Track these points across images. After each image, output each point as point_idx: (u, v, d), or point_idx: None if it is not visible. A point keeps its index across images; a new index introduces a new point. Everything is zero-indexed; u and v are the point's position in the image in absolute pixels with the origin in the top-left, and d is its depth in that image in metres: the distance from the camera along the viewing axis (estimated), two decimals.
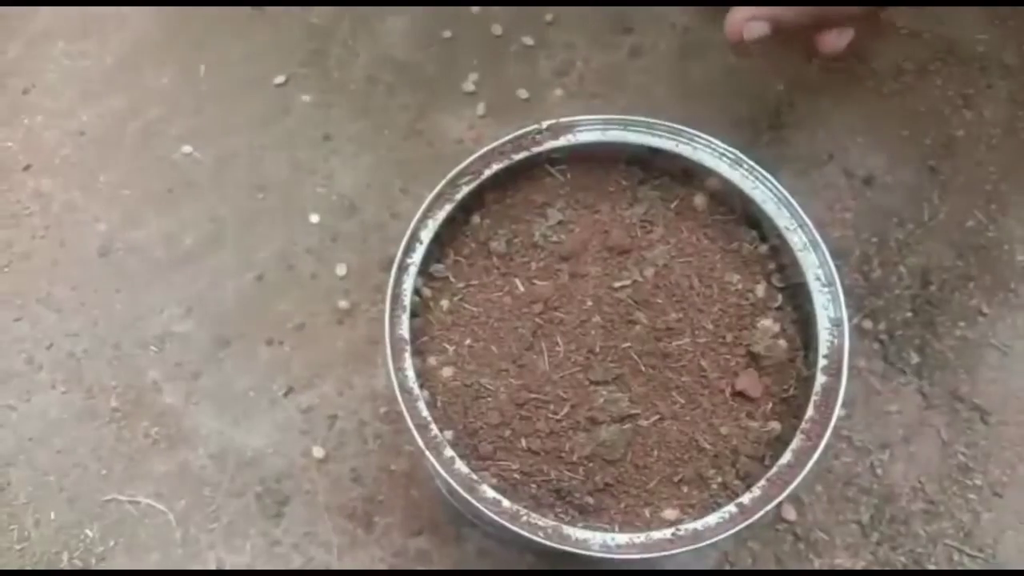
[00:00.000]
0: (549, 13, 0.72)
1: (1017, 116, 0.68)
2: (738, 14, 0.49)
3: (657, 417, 0.45)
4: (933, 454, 0.60)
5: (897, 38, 0.69)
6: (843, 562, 0.57)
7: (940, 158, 0.67)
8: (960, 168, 0.66)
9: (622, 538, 0.40)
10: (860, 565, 0.57)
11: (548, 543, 0.39)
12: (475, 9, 0.72)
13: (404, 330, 0.44)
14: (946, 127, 0.67)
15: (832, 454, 0.59)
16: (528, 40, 0.71)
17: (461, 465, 0.42)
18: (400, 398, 0.42)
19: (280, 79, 0.71)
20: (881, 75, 0.69)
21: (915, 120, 0.68)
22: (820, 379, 0.43)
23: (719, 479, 0.44)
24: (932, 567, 0.57)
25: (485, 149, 0.48)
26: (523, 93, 0.69)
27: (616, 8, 0.72)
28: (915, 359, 0.62)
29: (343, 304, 0.63)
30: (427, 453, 0.41)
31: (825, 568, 0.57)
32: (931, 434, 0.60)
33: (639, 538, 0.40)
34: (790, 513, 0.58)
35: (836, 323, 0.44)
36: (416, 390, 0.43)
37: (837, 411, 0.43)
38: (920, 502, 0.59)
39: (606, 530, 0.41)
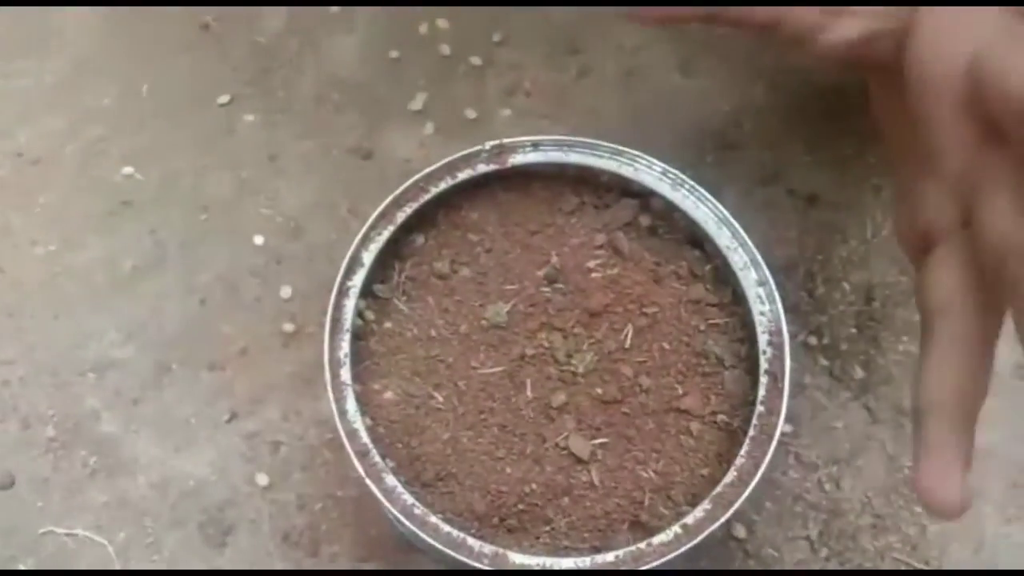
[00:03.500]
0: (497, 33, 0.72)
1: None
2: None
3: (604, 440, 0.44)
4: (879, 468, 0.61)
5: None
6: None
7: (883, 176, 0.68)
8: None
9: (566, 562, 0.40)
10: None
11: (491, 569, 0.39)
12: (423, 29, 0.72)
13: (344, 354, 0.43)
14: None
15: (780, 470, 0.60)
16: (476, 60, 0.71)
17: (403, 493, 0.41)
18: (339, 425, 0.41)
19: (224, 99, 0.70)
20: (825, 94, 0.70)
21: (859, 138, 0.69)
22: (762, 396, 0.44)
23: (664, 500, 0.44)
24: None
25: (428, 170, 0.47)
26: (471, 113, 0.69)
27: (565, 29, 0.73)
28: (860, 374, 0.63)
29: (288, 327, 0.62)
30: (367, 481, 0.40)
31: None
32: (877, 448, 0.61)
33: (583, 562, 0.40)
34: (740, 531, 0.58)
35: (777, 341, 0.45)
36: (356, 416, 0.42)
37: (779, 428, 0.43)
38: (868, 516, 0.60)
39: (550, 555, 0.41)
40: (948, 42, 0.26)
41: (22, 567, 0.55)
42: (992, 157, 0.25)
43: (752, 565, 0.57)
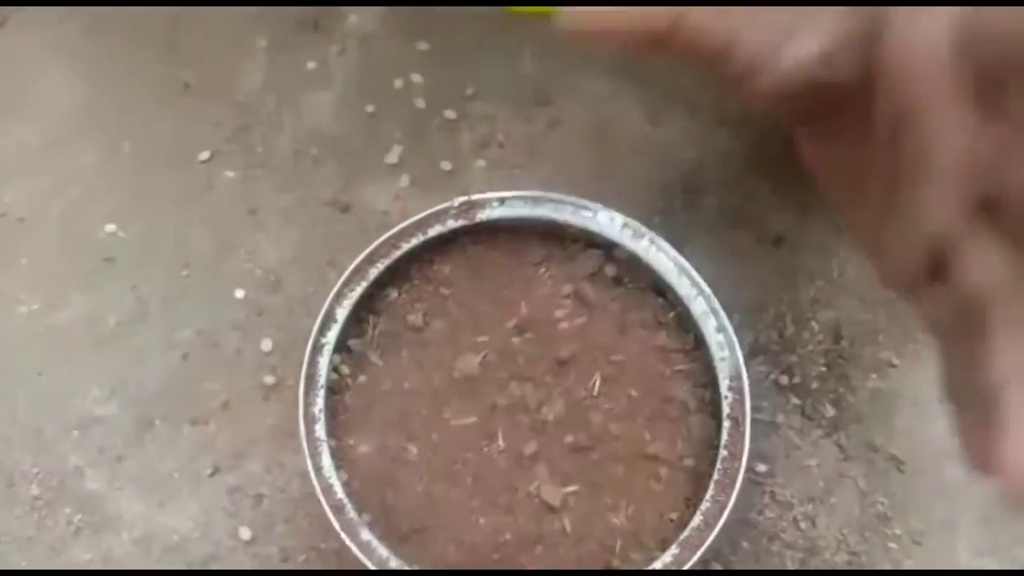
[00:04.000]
0: (470, 87, 0.74)
1: None
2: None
3: (575, 488, 0.45)
4: (853, 505, 0.61)
5: None
6: None
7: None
8: None
9: None
10: None
11: None
12: (398, 83, 0.74)
13: (318, 410, 0.44)
14: None
15: (756, 510, 0.61)
16: (450, 113, 0.73)
17: (379, 547, 0.42)
18: (315, 480, 0.42)
19: (205, 155, 0.72)
20: (787, 140, 0.72)
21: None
22: (725, 440, 0.45)
23: (635, 545, 0.45)
24: None
25: (399, 227, 0.49)
26: (446, 165, 0.71)
27: (535, 80, 0.75)
28: (831, 412, 0.64)
29: (269, 380, 0.63)
30: (343, 536, 0.41)
31: None
32: (850, 485, 0.62)
33: None
34: (717, 571, 0.58)
35: (737, 386, 0.46)
36: (332, 471, 0.43)
37: (742, 471, 0.44)
38: (843, 554, 0.60)
39: None
40: (927, 25, 0.24)
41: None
42: (1004, 126, 0.23)
43: None
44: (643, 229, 0.48)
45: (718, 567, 0.58)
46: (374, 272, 0.48)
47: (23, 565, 0.57)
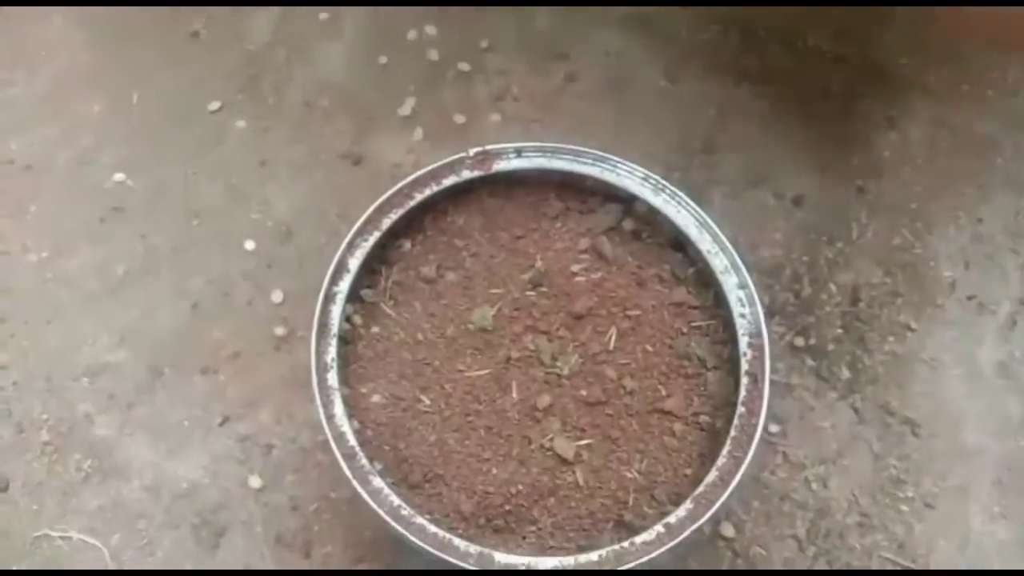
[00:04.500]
0: (484, 39, 0.73)
1: (940, 137, 0.70)
2: None
3: (588, 441, 0.45)
4: (866, 468, 0.61)
5: (824, 62, 0.71)
6: None
7: (867, 178, 0.68)
8: (886, 188, 0.68)
9: (549, 562, 0.40)
10: None
11: (476, 569, 0.39)
12: (411, 35, 0.73)
13: (331, 359, 0.44)
14: (873, 148, 0.69)
15: (768, 470, 0.60)
16: (464, 66, 0.72)
17: (390, 494, 0.41)
18: (327, 428, 0.42)
19: (215, 106, 0.70)
20: (809, 99, 0.71)
21: (843, 142, 0.69)
22: (743, 397, 0.44)
23: (648, 499, 0.44)
24: None
25: (412, 176, 0.48)
26: (460, 118, 0.70)
27: (551, 34, 0.73)
28: (846, 375, 0.63)
29: (279, 331, 0.62)
30: (355, 483, 0.41)
31: None
32: (864, 448, 0.61)
33: (567, 562, 0.40)
34: (728, 530, 0.58)
35: (757, 343, 0.45)
36: (344, 420, 0.43)
37: (760, 429, 0.44)
38: (855, 515, 0.60)
39: (535, 555, 0.41)
40: None
41: (20, 570, 0.56)
42: None
43: (740, 564, 0.58)
44: (664, 183, 0.47)
45: (729, 527, 0.58)
46: (387, 222, 0.47)
47: (34, 509, 0.57)
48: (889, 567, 0.59)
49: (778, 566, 0.58)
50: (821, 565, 0.59)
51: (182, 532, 0.57)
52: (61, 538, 0.57)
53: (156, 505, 0.58)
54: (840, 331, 0.64)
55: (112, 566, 0.56)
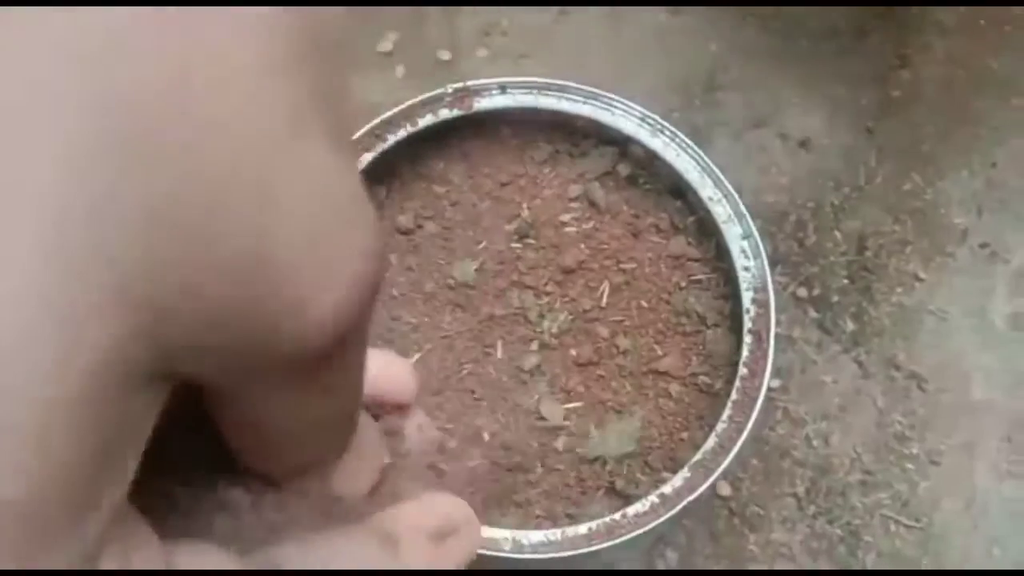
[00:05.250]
0: None
1: (954, 76, 0.66)
2: None
3: (578, 404, 0.42)
4: (869, 424, 0.59)
5: None
6: (779, 536, 0.56)
7: (877, 119, 0.64)
8: (897, 130, 0.64)
9: (536, 536, 0.38)
10: (796, 539, 0.56)
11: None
12: None
13: None
14: (883, 87, 0.65)
15: (768, 426, 0.58)
16: None
17: None
18: None
19: None
20: (817, 35, 0.66)
21: (852, 81, 0.65)
22: (745, 356, 0.41)
23: (641, 466, 0.41)
24: (868, 539, 0.56)
25: (384, 116, 0.44)
26: (444, 54, 0.65)
27: None
28: (851, 327, 0.60)
29: None
30: None
31: (760, 543, 0.56)
32: (867, 403, 0.59)
33: (554, 535, 0.38)
34: (725, 489, 0.56)
35: (762, 298, 0.42)
36: None
37: (763, 391, 0.41)
38: (857, 473, 0.58)
39: (521, 527, 0.39)
40: None
41: None
42: None
43: (736, 523, 0.56)
44: (663, 124, 0.43)
45: (726, 485, 0.56)
46: (357, 166, 0.43)
47: None
48: (891, 527, 0.57)
49: (776, 524, 0.56)
50: (821, 524, 0.57)
51: None
52: None
53: None
54: (845, 281, 0.61)
55: None
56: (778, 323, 0.56)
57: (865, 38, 0.66)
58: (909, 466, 0.58)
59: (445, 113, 0.44)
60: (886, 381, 0.59)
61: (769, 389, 0.57)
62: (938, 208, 0.63)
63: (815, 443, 0.58)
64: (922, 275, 0.62)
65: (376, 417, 0.19)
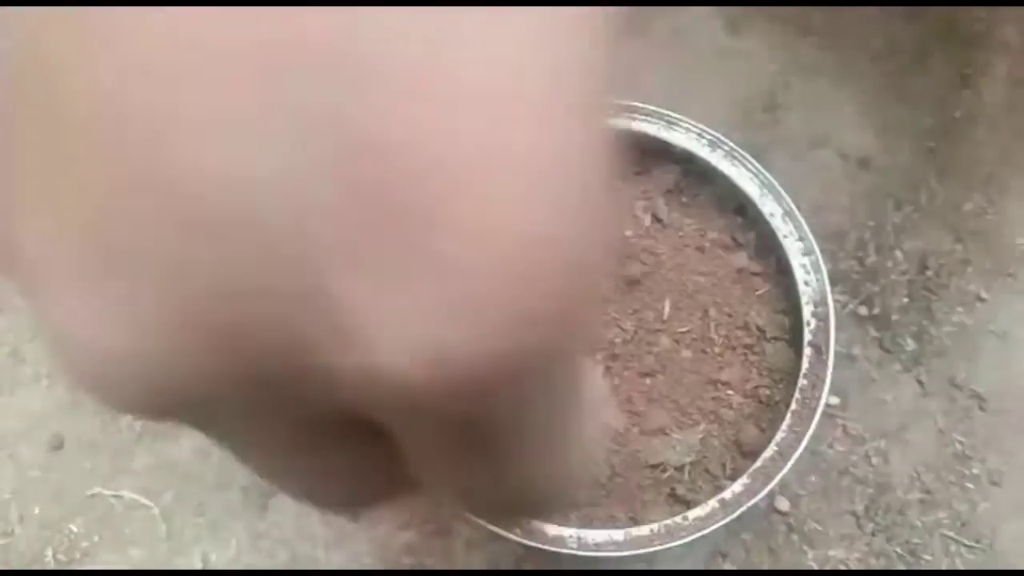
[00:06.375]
0: None
1: (1017, 96, 0.66)
2: None
3: (640, 412, 0.44)
4: (930, 443, 0.59)
5: (893, 15, 0.68)
6: (837, 553, 0.56)
7: (938, 139, 0.65)
8: (958, 149, 0.65)
9: (599, 535, 0.39)
10: (855, 556, 0.56)
11: (522, 540, 0.38)
12: None
13: None
14: (944, 107, 0.66)
15: (827, 443, 0.58)
16: None
17: None
18: None
19: None
20: (878, 54, 0.67)
21: (913, 100, 0.66)
22: (805, 369, 0.42)
23: (702, 473, 0.43)
24: (928, 558, 0.56)
25: None
26: None
27: None
28: (912, 346, 0.60)
29: None
30: None
31: (819, 559, 0.56)
32: (928, 422, 0.59)
33: (617, 535, 0.39)
34: (783, 504, 0.56)
35: (822, 312, 0.43)
36: None
37: (823, 402, 0.42)
38: (916, 492, 0.58)
39: (585, 527, 0.40)
40: None
41: (73, 528, 0.57)
42: None
43: (795, 539, 0.56)
44: (725, 141, 0.45)
45: (784, 501, 0.56)
46: None
47: (87, 468, 0.58)
48: (951, 547, 0.57)
49: (834, 541, 0.57)
50: (880, 541, 0.57)
51: (232, 494, 0.57)
52: (113, 496, 0.57)
53: (206, 465, 0.58)
54: (906, 300, 0.61)
55: (163, 526, 0.57)
56: (838, 341, 0.56)
57: (926, 58, 0.67)
58: (969, 485, 0.58)
59: None
60: (947, 401, 0.59)
61: (828, 406, 0.58)
62: (1000, 228, 0.63)
63: (874, 461, 0.58)
64: (984, 295, 0.62)
65: None
